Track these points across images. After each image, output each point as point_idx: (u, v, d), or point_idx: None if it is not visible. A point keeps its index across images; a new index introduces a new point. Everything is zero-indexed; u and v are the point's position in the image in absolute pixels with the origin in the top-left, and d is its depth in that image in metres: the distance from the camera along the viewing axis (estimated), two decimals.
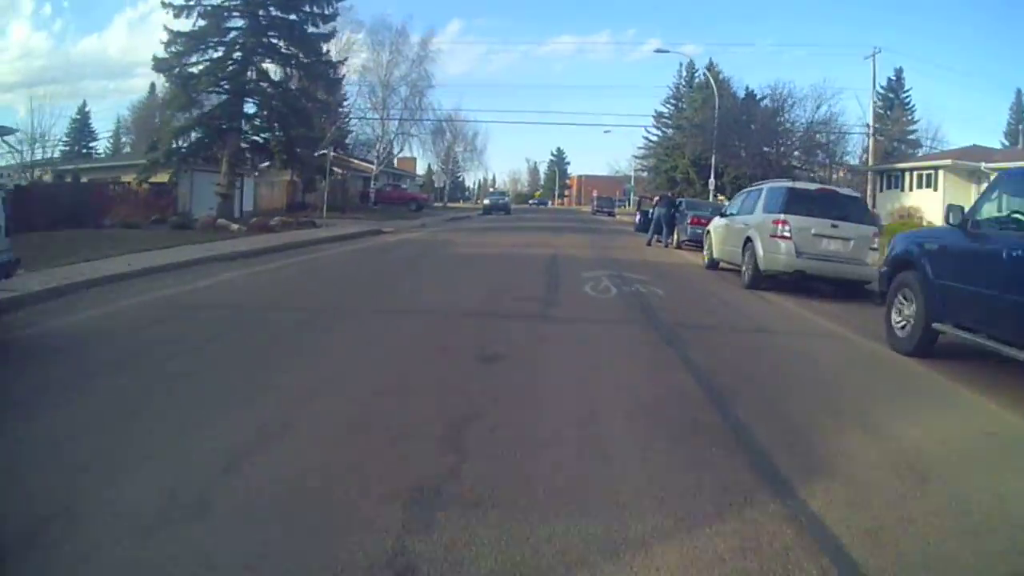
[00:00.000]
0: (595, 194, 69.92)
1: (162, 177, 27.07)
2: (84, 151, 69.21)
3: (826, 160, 35.96)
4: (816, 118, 33.92)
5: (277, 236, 19.83)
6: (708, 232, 15.42)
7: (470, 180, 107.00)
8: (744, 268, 12.46)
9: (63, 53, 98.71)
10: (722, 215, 14.83)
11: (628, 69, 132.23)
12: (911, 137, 58.19)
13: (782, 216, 11.68)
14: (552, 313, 8.22)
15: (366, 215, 34.74)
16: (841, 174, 47.50)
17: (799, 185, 12.75)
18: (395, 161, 60.15)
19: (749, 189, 14.57)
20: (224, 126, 26.02)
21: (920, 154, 49.72)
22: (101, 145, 74.03)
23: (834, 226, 11.62)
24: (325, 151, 27.92)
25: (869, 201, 40.86)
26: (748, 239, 12.40)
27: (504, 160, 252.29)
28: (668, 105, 55.58)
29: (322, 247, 17.41)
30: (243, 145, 27.12)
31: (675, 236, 21.15)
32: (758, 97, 39.93)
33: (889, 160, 42.67)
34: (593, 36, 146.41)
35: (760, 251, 11.86)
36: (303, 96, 27.35)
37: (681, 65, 56.37)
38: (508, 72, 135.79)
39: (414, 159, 59.10)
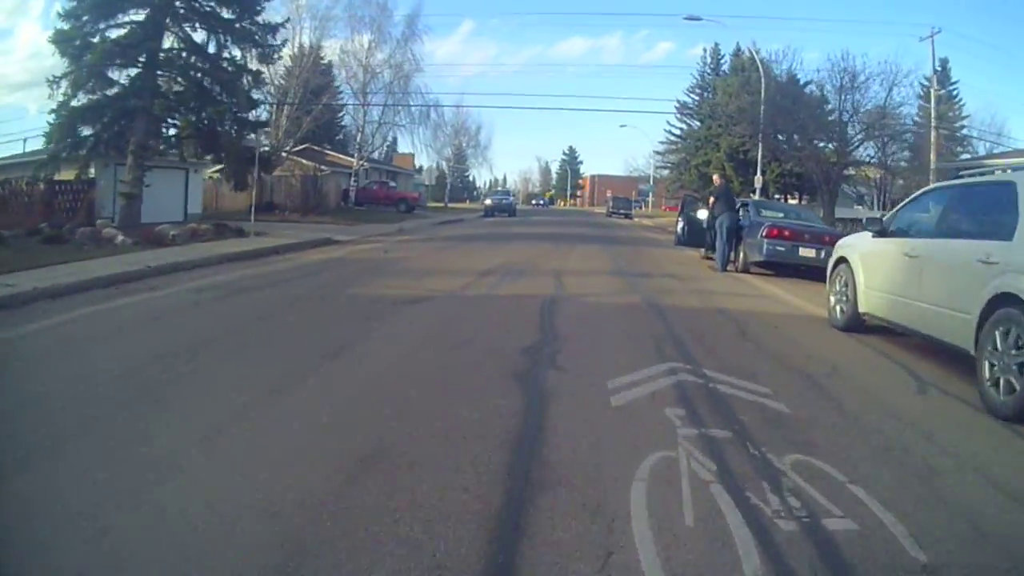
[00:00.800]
0: (610, 194, 61.89)
1: (68, 175, 20.05)
2: None
3: (899, 155, 28.06)
4: (889, 104, 25.95)
5: (152, 255, 12.69)
6: (844, 262, 7.86)
7: (480, 180, 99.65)
8: (991, 364, 4.96)
9: None
10: (883, 232, 7.23)
11: (644, 68, 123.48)
12: (959, 134, 50.25)
13: None
14: None
15: (334, 218, 27.50)
16: (872, 175, 39.42)
17: None
18: (392, 158, 52.90)
19: (963, 182, 6.85)
20: (132, 106, 18.94)
21: (982, 153, 41.85)
22: None
23: None
24: (254, 137, 20.29)
25: None
26: (1005, 298, 4.92)
27: (515, 159, 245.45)
28: (693, 95, 47.86)
29: (177, 279, 10.06)
30: (160, 130, 19.96)
31: (741, 254, 13.56)
32: (803, 83, 31.99)
33: (944, 158, 34.81)
34: (607, 33, 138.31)
35: None
36: (233, 68, 19.94)
37: (705, 51, 48.87)
38: (519, 70, 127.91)
39: (412, 155, 51.69)
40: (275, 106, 34.38)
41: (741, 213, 14.11)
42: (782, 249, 12.55)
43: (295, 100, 33.36)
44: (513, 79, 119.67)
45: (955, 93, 56.32)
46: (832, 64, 27.81)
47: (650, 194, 65.76)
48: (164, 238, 15.40)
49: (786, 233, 12.69)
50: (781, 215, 14.30)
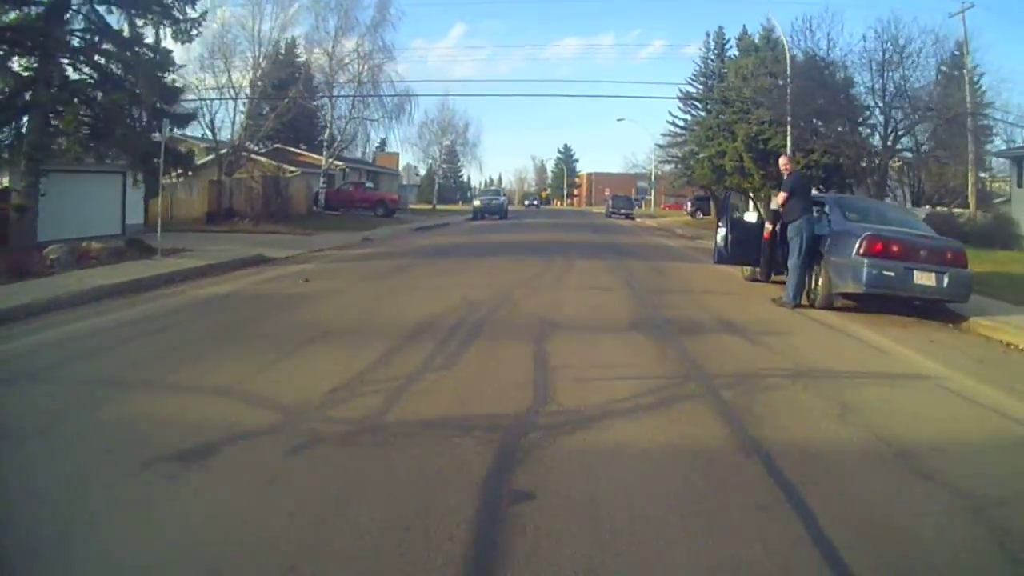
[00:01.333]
0: (609, 193, 57.20)
1: None
2: None
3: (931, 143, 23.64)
4: (940, 81, 21.49)
5: None
6: None
7: (475, 180, 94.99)
8: None
9: None
10: None
11: (644, 52, 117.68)
12: (983, 123, 45.58)
13: None
14: None
15: (294, 227, 23.03)
16: (896, 164, 34.96)
17: None
18: (376, 158, 48.41)
19: None
20: (26, 101, 14.65)
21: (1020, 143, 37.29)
22: None
23: None
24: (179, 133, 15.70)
25: (971, 201, 28.48)
26: None
27: (510, 158, 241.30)
28: (697, 84, 43.34)
29: None
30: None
31: (819, 279, 9.00)
32: (832, 60, 27.27)
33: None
34: (600, 33, 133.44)
35: None
36: (139, 46, 15.39)
37: (708, 35, 44.23)
38: (511, 67, 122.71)
39: (397, 155, 47.08)
40: (247, 102, 30.09)
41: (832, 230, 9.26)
42: (891, 274, 8.00)
43: (254, 94, 28.87)
44: (505, 73, 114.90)
45: (976, 79, 51.82)
46: (877, 32, 23.20)
47: (652, 191, 60.93)
48: (40, 265, 11.42)
49: (894, 248, 8.14)
50: (876, 219, 9.69)
